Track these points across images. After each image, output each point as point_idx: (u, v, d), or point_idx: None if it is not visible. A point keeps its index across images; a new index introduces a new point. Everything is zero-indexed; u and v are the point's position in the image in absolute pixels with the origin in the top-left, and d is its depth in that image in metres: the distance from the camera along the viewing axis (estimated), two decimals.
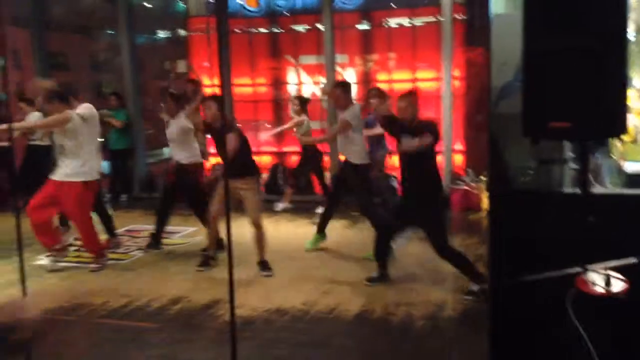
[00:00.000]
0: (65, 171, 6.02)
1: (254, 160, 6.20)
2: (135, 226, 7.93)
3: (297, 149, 9.46)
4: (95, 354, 4.34)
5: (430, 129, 5.07)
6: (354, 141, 6.33)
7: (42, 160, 9.11)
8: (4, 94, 10.89)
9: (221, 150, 5.91)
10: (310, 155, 8.56)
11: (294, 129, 8.55)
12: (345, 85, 6.52)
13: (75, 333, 4.80)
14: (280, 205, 8.82)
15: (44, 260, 6.44)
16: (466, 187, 8.10)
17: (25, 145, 9.17)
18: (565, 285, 2.93)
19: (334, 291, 5.38)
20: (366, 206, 6.46)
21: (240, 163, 5.77)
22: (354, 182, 6.39)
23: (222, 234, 6.11)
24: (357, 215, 7.94)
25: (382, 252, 5.59)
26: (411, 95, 5.27)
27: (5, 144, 8.77)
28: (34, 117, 9.15)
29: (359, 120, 6.44)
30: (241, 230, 6.84)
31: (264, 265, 6.09)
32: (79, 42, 14.84)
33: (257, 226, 6.03)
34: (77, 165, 6.00)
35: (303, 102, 8.63)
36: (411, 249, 6.69)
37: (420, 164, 5.17)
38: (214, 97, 6.10)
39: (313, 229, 6.97)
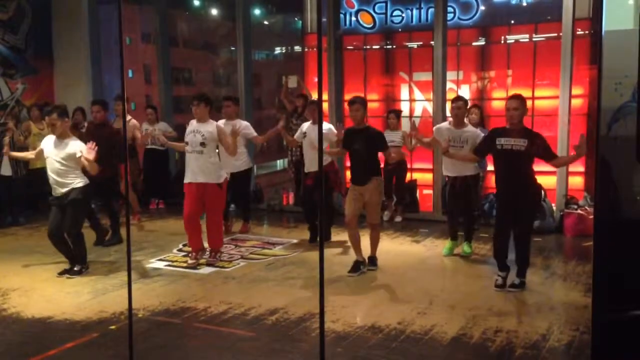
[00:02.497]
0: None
1: (379, 162, 6.40)
2: (241, 235, 8.15)
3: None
4: (195, 359, 4.48)
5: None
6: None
7: (160, 163, 9.73)
8: (134, 103, 11.69)
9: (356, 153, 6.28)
10: (391, 168, 8.48)
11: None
12: (465, 101, 6.86)
13: (178, 336, 5.01)
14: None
15: (155, 264, 6.79)
16: (581, 212, 7.63)
17: (145, 150, 9.72)
18: None
19: (431, 312, 5.25)
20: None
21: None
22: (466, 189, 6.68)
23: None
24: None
25: (501, 251, 5.73)
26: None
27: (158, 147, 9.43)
28: (162, 125, 9.76)
29: None
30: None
31: (372, 260, 6.43)
32: (203, 58, 15.64)
33: (374, 227, 6.42)
34: (219, 167, 6.72)
35: (398, 116, 8.80)
36: None
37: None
38: (359, 100, 6.30)
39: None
